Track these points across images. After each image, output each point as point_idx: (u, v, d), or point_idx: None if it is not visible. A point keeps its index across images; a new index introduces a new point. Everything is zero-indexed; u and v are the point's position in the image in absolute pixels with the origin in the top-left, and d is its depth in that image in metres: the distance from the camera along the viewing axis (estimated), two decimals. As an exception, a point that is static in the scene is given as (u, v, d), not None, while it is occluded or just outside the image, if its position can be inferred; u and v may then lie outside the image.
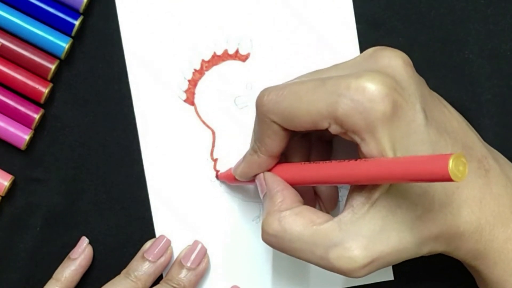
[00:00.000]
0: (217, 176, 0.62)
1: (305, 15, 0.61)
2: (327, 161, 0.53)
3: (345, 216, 0.52)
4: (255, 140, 0.56)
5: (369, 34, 0.62)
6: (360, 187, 0.52)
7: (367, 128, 0.50)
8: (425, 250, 0.53)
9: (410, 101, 0.51)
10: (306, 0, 0.61)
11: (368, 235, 0.51)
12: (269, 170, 0.57)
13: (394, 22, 0.62)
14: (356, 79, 0.50)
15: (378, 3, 0.62)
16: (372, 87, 0.49)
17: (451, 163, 0.45)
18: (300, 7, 0.61)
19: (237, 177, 0.59)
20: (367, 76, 0.50)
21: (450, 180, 0.45)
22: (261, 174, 0.57)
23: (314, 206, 0.58)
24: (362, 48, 0.61)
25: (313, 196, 0.59)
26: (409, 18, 0.62)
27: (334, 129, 0.51)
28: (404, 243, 0.52)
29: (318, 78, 0.52)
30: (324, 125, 0.51)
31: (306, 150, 0.58)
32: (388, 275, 0.62)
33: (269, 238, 0.54)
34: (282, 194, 0.54)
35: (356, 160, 0.51)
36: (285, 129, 0.54)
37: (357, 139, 0.51)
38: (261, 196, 0.56)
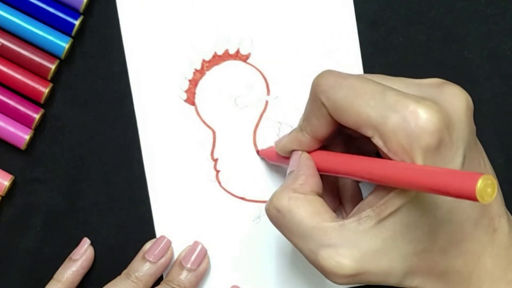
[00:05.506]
0: (257, 152, 0.62)
1: (306, 15, 0.61)
2: (360, 156, 0.53)
3: (350, 223, 0.52)
4: (303, 118, 0.55)
5: (369, 34, 0.62)
6: (373, 200, 0.52)
7: (407, 152, 0.50)
8: (410, 283, 0.53)
9: (456, 144, 0.51)
10: (306, 0, 0.61)
11: (363, 250, 0.51)
12: (309, 153, 0.56)
13: (394, 22, 0.62)
14: (416, 102, 0.49)
15: (378, 3, 0.62)
16: (427, 117, 0.49)
17: (479, 183, 0.45)
18: (300, 7, 0.61)
19: (277, 150, 0.58)
20: (427, 104, 0.49)
21: (475, 199, 0.45)
22: (299, 152, 0.56)
23: (335, 204, 0.59)
24: (362, 48, 0.62)
25: (335, 193, 0.59)
26: (409, 18, 0.62)
27: (376, 142, 0.51)
28: (393, 271, 0.52)
29: (381, 84, 0.52)
30: (368, 132, 0.51)
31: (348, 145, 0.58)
32: (388, 275, 0.62)
33: (272, 211, 0.54)
34: (306, 178, 0.54)
35: (385, 160, 0.51)
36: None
37: (394, 158, 0.50)
38: (287, 172, 0.56)
